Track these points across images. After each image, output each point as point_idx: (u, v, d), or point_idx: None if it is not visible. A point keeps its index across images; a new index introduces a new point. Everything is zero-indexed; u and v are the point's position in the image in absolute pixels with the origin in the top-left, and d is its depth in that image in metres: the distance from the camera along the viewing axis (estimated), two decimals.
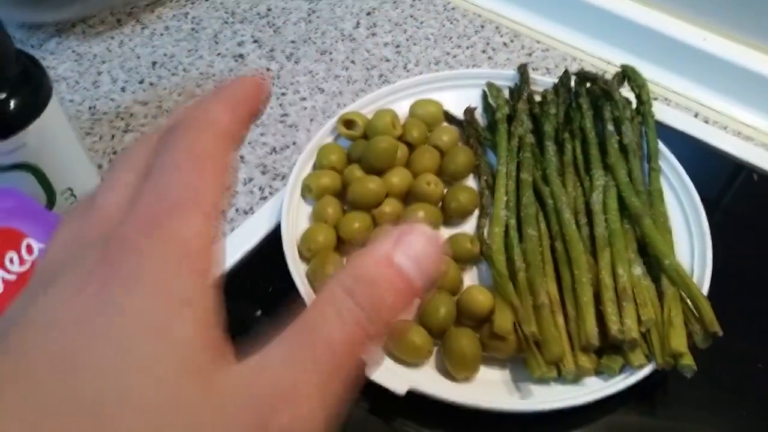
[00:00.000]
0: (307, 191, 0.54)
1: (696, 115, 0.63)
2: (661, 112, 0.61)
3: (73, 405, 0.16)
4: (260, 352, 0.18)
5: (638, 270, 0.46)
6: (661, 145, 0.55)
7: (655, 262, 0.47)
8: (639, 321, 0.44)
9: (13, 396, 0.16)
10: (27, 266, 0.42)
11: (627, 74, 0.58)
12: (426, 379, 0.44)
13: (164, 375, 0.16)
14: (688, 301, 0.45)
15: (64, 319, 0.17)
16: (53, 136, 0.49)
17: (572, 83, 0.59)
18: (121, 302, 0.17)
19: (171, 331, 0.17)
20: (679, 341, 0.43)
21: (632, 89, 0.57)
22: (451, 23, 0.71)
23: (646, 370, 0.43)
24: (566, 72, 0.59)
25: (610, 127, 0.54)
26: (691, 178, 0.54)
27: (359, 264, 0.19)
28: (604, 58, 0.67)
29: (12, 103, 0.46)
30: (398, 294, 0.19)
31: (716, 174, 0.60)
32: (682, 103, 0.64)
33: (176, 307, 0.17)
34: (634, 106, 0.57)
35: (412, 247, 0.19)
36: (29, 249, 0.43)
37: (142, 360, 0.16)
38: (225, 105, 0.21)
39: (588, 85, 0.58)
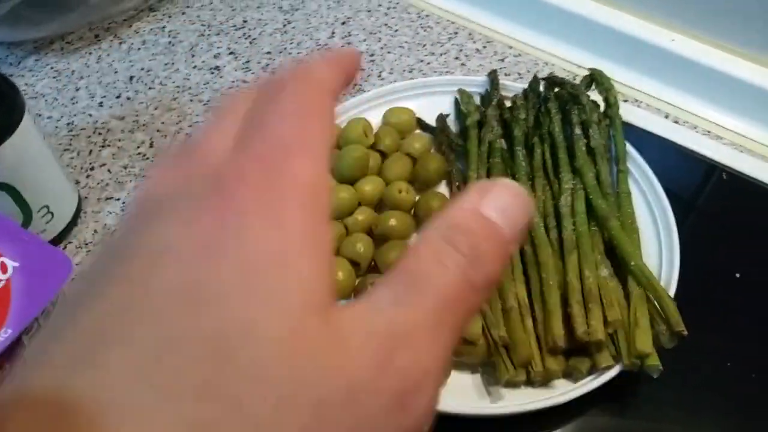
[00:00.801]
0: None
1: (666, 116, 0.64)
2: (631, 113, 0.62)
3: (194, 337, 0.15)
4: (367, 296, 0.18)
5: (605, 272, 0.47)
6: (630, 147, 0.56)
7: (621, 263, 0.48)
8: (605, 322, 0.44)
9: (133, 327, 0.16)
10: (1, 285, 0.43)
11: (594, 78, 0.59)
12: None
13: (287, 308, 0.16)
14: (655, 301, 0.45)
15: (183, 248, 0.17)
16: (28, 155, 0.50)
17: (541, 88, 0.60)
18: (241, 233, 0.17)
19: (293, 265, 0.17)
20: (644, 342, 0.43)
21: (600, 92, 0.58)
22: (425, 31, 0.72)
23: (614, 371, 0.44)
24: (535, 77, 0.60)
25: (578, 130, 0.55)
26: (662, 179, 0.54)
27: (451, 216, 0.19)
28: (576, 61, 0.68)
29: None
30: (493, 243, 0.19)
31: (687, 174, 0.60)
32: (652, 104, 0.65)
33: (297, 241, 0.17)
34: (602, 109, 0.57)
35: (498, 199, 0.19)
36: (3, 268, 0.44)
37: (264, 292, 0.16)
38: (327, 65, 0.21)
39: (556, 89, 0.59)
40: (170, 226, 0.17)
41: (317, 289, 0.17)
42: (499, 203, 0.19)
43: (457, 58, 0.69)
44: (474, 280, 0.18)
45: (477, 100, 0.61)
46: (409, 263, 0.18)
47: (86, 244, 0.55)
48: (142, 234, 0.18)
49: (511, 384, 0.44)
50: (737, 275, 0.52)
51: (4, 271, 0.44)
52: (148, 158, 0.61)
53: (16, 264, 0.44)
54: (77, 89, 0.68)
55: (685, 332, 0.43)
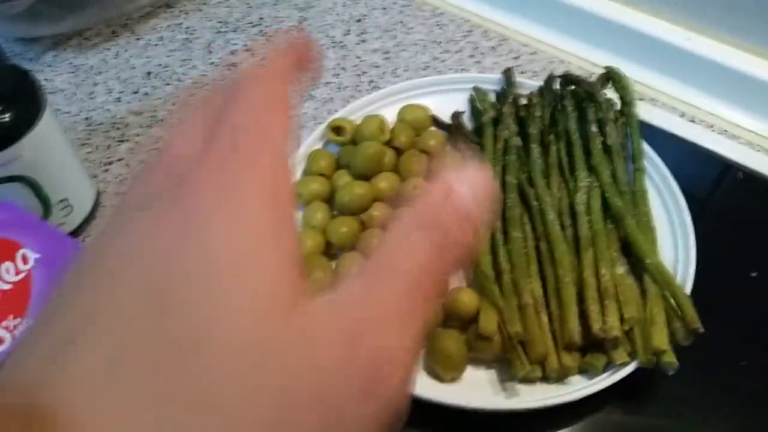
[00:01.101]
0: (296, 197, 0.55)
1: (682, 115, 0.64)
2: (648, 112, 0.62)
3: (157, 339, 0.16)
4: (339, 287, 0.18)
5: (621, 269, 0.47)
6: (646, 146, 0.56)
7: (637, 261, 0.48)
8: (621, 319, 0.44)
9: (99, 330, 0.16)
10: (22, 276, 0.44)
11: (611, 76, 0.59)
12: (413, 380, 0.45)
13: (250, 307, 0.16)
14: (671, 299, 0.46)
15: (146, 252, 0.17)
16: (47, 148, 0.50)
17: (557, 86, 0.60)
18: (202, 235, 0.17)
19: (255, 264, 0.17)
20: (660, 339, 0.43)
21: (616, 90, 0.58)
22: (440, 28, 0.72)
23: (629, 368, 0.44)
24: (551, 75, 0.60)
25: (594, 128, 0.55)
26: (678, 177, 0.54)
27: (422, 202, 0.19)
28: (591, 60, 0.68)
29: (5, 117, 0.47)
30: (461, 227, 0.19)
31: (702, 172, 0.60)
32: (668, 103, 0.65)
33: (258, 240, 0.17)
34: (618, 107, 0.57)
35: (467, 184, 0.19)
36: (24, 259, 0.44)
37: (226, 292, 0.16)
38: (282, 56, 0.22)
39: (572, 87, 0.59)
40: (135, 232, 0.18)
41: (281, 286, 0.17)
42: (468, 188, 0.19)
43: (471, 55, 0.69)
44: (443, 258, 0.19)
45: (492, 97, 0.61)
46: (382, 249, 0.19)
47: None
48: (111, 242, 0.18)
49: (527, 380, 0.44)
50: (753, 274, 0.52)
51: (26, 263, 0.44)
52: None
53: (38, 256, 0.45)
54: (95, 84, 0.68)
55: (701, 330, 0.43)
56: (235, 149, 0.19)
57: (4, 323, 0.42)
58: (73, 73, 0.69)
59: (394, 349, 0.17)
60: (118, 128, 0.64)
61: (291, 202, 0.19)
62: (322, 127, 0.58)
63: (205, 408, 0.15)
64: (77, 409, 0.15)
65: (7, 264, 0.44)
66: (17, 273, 0.44)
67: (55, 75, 0.69)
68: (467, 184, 0.19)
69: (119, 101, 0.66)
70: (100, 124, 0.64)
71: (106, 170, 0.60)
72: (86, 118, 0.65)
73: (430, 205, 0.19)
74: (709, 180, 0.60)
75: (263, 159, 0.19)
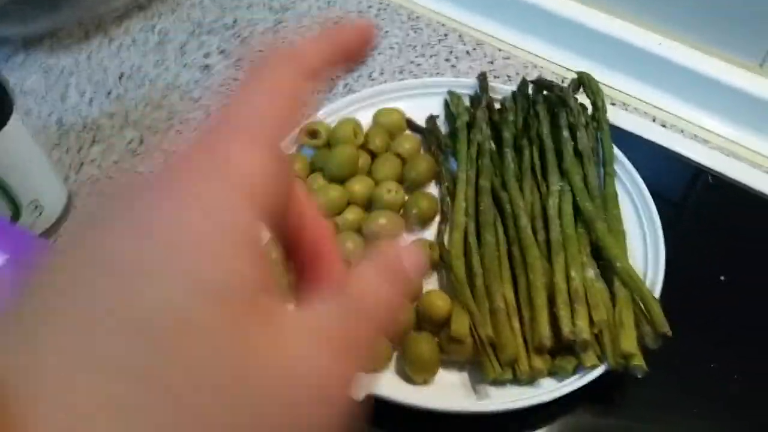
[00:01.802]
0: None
1: (654, 120, 0.64)
2: (619, 116, 0.62)
3: (124, 315, 0.15)
4: (308, 302, 0.19)
5: (591, 273, 0.48)
6: (617, 150, 0.56)
7: (608, 265, 0.48)
8: (591, 322, 0.45)
9: (68, 302, 0.16)
10: None
11: (582, 81, 0.60)
12: (386, 384, 0.45)
13: (220, 299, 0.16)
14: (640, 303, 0.46)
15: (120, 226, 0.17)
16: (16, 150, 0.50)
17: (530, 91, 0.60)
18: (174, 218, 0.17)
19: (224, 256, 0.17)
20: (629, 342, 0.44)
21: (588, 96, 0.59)
22: (415, 32, 0.72)
23: (599, 371, 0.44)
24: (524, 80, 0.61)
25: (566, 133, 0.55)
26: (649, 182, 0.55)
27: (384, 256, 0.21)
28: (564, 64, 0.68)
29: None
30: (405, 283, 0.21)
31: (674, 177, 0.61)
32: (640, 107, 0.65)
33: (229, 233, 0.17)
34: (590, 112, 0.58)
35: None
36: None
37: (195, 280, 0.16)
38: (314, 43, 0.21)
39: (545, 92, 0.59)
40: (116, 208, 0.18)
41: (250, 283, 0.17)
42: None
43: (447, 59, 0.70)
44: (396, 296, 0.20)
45: (466, 101, 0.61)
46: (354, 288, 0.20)
47: None
48: (96, 215, 0.18)
49: (498, 382, 0.45)
50: (722, 278, 0.53)
51: None
52: (138, 154, 0.61)
53: (6, 257, 0.44)
54: (67, 86, 0.67)
55: (670, 333, 0.44)
56: (220, 135, 0.19)
57: None
58: (44, 74, 0.68)
59: (342, 362, 0.18)
60: (90, 130, 0.63)
61: (270, 198, 0.18)
62: (296, 130, 0.58)
63: (170, 391, 0.15)
64: (35, 385, 0.15)
65: None
66: None
67: (26, 76, 0.68)
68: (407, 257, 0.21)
69: (91, 103, 0.66)
70: (72, 125, 0.64)
71: (78, 171, 0.60)
72: (58, 120, 0.64)
73: (392, 262, 0.21)
74: (679, 184, 0.61)
75: (245, 149, 0.18)
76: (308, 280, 0.22)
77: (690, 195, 0.61)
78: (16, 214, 0.52)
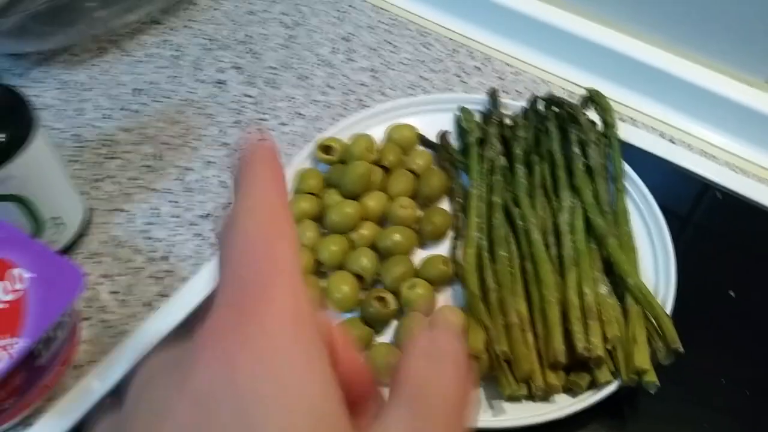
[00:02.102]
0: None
1: (662, 136, 0.65)
2: (628, 133, 0.63)
3: None
4: (379, 421, 0.19)
5: (604, 289, 0.49)
6: (627, 166, 0.57)
7: (619, 281, 0.49)
8: (605, 339, 0.46)
9: None
10: (17, 295, 0.44)
11: (592, 98, 0.61)
12: None
13: None
14: (652, 319, 0.47)
15: (178, 409, 0.17)
16: (39, 167, 0.51)
17: (541, 107, 0.61)
18: (232, 382, 0.17)
19: (298, 400, 0.17)
20: (642, 358, 0.45)
21: (597, 112, 0.60)
22: (426, 48, 0.73)
23: (612, 387, 0.45)
24: (535, 97, 0.62)
25: (576, 149, 0.56)
26: (658, 197, 0.56)
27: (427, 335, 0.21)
28: (573, 80, 0.69)
29: None
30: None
31: (682, 192, 0.62)
32: (648, 123, 0.66)
33: (296, 377, 0.17)
34: (600, 128, 0.59)
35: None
36: (19, 278, 0.45)
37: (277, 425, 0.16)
38: (272, 172, 0.21)
39: (556, 108, 0.60)
40: (165, 389, 0.17)
41: (328, 414, 0.17)
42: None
43: (457, 75, 0.71)
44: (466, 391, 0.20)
45: (477, 117, 0.62)
46: (410, 382, 0.20)
47: (94, 255, 0.56)
48: (141, 401, 0.18)
49: (513, 398, 0.46)
50: (731, 293, 0.54)
51: (20, 282, 0.45)
52: (154, 170, 0.62)
53: (32, 275, 0.45)
54: (83, 101, 0.68)
55: (682, 349, 0.45)
56: (246, 288, 0.18)
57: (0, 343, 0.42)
58: (61, 89, 0.69)
59: None
60: (107, 145, 0.64)
61: (315, 326, 0.19)
62: (311, 145, 0.59)
63: None
64: None
65: (2, 283, 0.44)
66: (11, 292, 0.44)
67: (43, 91, 0.69)
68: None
69: (108, 118, 0.67)
70: (89, 140, 0.64)
71: (96, 187, 0.61)
72: (75, 135, 0.65)
73: (437, 339, 0.21)
74: (687, 200, 0.62)
75: (279, 292, 0.18)
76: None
77: (698, 210, 0.62)
78: (37, 231, 0.52)
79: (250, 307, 0.18)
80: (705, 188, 0.61)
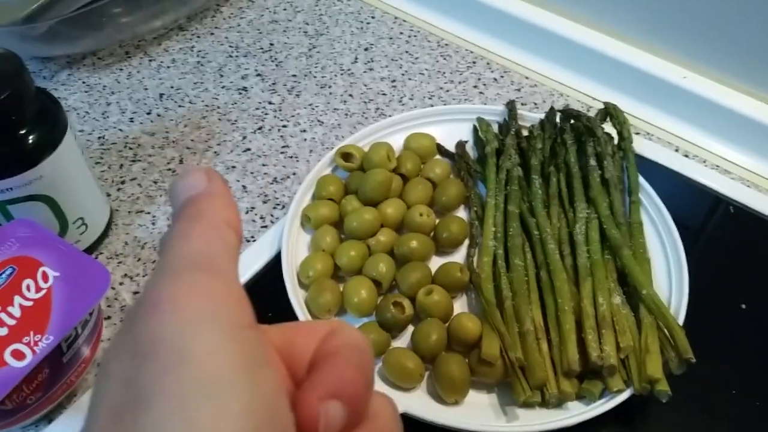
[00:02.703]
0: (306, 221, 0.57)
1: (677, 150, 0.66)
2: (643, 146, 0.64)
3: None
4: None
5: (618, 299, 0.49)
6: (642, 179, 0.58)
7: (633, 291, 0.50)
8: (618, 348, 0.47)
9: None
10: (43, 293, 0.45)
11: (609, 111, 0.61)
12: (418, 403, 0.47)
13: None
14: (665, 329, 0.48)
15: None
16: (67, 169, 0.52)
17: (558, 119, 0.62)
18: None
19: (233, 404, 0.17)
20: (655, 367, 0.46)
21: (614, 126, 0.61)
22: (445, 59, 0.75)
23: (625, 395, 0.46)
24: (552, 109, 0.63)
25: (593, 161, 0.57)
26: (672, 210, 0.57)
27: None
28: (590, 94, 0.70)
29: (30, 139, 0.49)
30: None
31: (695, 206, 0.63)
32: (663, 137, 0.67)
33: (231, 378, 0.17)
34: (616, 141, 0.60)
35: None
36: (45, 276, 0.46)
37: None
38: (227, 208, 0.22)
39: (572, 121, 0.61)
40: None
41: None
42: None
43: (475, 86, 0.72)
44: None
45: (495, 128, 0.63)
46: None
47: (117, 255, 0.57)
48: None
49: (527, 404, 0.46)
50: (743, 306, 0.54)
51: (46, 280, 0.46)
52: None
53: (57, 274, 0.46)
54: (108, 104, 0.70)
55: (694, 360, 0.45)
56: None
57: (25, 339, 0.43)
58: (86, 92, 0.71)
59: None
60: (130, 148, 0.66)
61: (252, 323, 0.19)
62: (332, 153, 0.60)
63: None
64: None
65: (29, 281, 0.46)
66: (38, 290, 0.45)
67: (69, 94, 0.71)
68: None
69: (132, 121, 0.68)
70: (113, 143, 0.66)
71: (119, 189, 0.62)
72: (100, 137, 0.67)
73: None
74: (701, 213, 0.62)
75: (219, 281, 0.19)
76: None
77: (711, 224, 0.62)
78: (62, 231, 0.54)
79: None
80: (718, 202, 0.62)
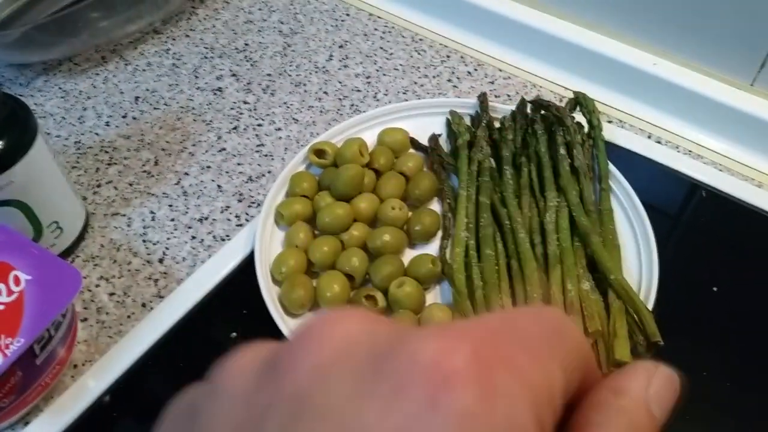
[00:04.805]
0: (279, 218, 0.57)
1: (649, 137, 0.67)
2: (616, 134, 0.65)
3: None
4: None
5: (587, 285, 0.50)
6: (612, 167, 0.58)
7: (602, 277, 0.50)
8: (586, 333, 0.47)
9: None
10: (14, 297, 0.46)
11: (579, 100, 0.62)
12: None
13: None
14: (633, 313, 0.48)
15: None
16: (39, 173, 0.53)
17: (528, 110, 0.62)
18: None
19: None
20: (623, 351, 0.46)
21: (584, 114, 0.61)
22: (419, 54, 0.75)
23: None
24: (523, 100, 0.63)
25: (563, 150, 0.58)
26: (645, 196, 0.57)
27: (622, 405, 0.19)
28: (562, 84, 0.71)
29: (0, 145, 0.49)
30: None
31: (668, 191, 0.63)
32: (636, 125, 0.68)
33: None
34: (586, 130, 0.60)
35: (663, 395, 0.20)
36: (17, 280, 0.46)
37: None
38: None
39: (543, 111, 0.62)
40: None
41: None
42: (663, 401, 0.20)
43: (449, 80, 0.72)
44: None
45: (468, 121, 0.64)
46: None
47: (93, 258, 0.58)
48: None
49: None
50: (714, 289, 0.55)
51: (18, 284, 0.46)
52: (152, 175, 0.64)
53: (29, 277, 0.47)
54: (84, 109, 0.70)
55: (662, 342, 0.46)
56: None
57: None
58: (62, 98, 0.71)
59: None
60: (107, 151, 0.66)
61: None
62: (305, 150, 0.61)
63: None
64: None
65: (0, 285, 0.46)
66: (9, 294, 0.46)
67: (45, 100, 0.71)
68: (662, 397, 0.20)
69: (108, 125, 0.69)
70: (89, 147, 0.66)
71: (96, 192, 0.62)
72: (76, 142, 0.67)
73: (633, 412, 0.19)
74: (674, 198, 0.63)
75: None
76: None
77: (684, 209, 0.63)
78: (37, 235, 0.54)
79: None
80: (691, 187, 0.63)
